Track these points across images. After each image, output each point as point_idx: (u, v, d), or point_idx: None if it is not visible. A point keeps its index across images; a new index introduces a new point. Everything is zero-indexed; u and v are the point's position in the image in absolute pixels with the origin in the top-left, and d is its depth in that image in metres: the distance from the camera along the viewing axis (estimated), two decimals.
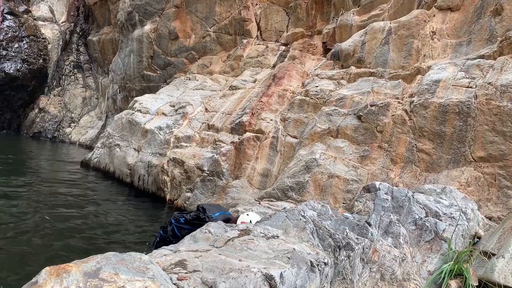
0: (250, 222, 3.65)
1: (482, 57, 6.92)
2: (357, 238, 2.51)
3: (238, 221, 3.75)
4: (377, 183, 3.10)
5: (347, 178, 6.88)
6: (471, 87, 6.46)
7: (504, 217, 5.52)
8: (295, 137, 8.64)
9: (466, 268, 2.69)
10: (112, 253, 1.66)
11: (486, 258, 2.73)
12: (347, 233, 2.52)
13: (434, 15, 8.01)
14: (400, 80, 7.81)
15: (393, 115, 7.08)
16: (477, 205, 5.98)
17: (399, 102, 7.26)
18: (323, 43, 11.40)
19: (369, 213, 2.85)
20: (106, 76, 21.31)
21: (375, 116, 7.21)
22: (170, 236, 3.93)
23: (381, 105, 7.27)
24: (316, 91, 8.94)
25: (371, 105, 7.39)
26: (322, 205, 2.89)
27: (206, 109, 11.23)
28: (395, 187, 3.09)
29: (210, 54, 14.70)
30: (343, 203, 6.77)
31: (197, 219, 3.94)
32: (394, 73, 8.03)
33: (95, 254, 1.63)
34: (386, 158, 6.90)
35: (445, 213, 3.02)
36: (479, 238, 3.09)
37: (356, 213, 2.91)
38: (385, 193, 3.00)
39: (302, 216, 2.72)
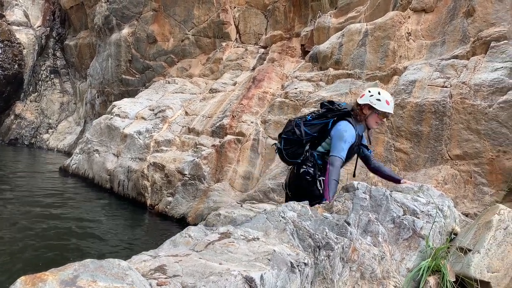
0: (369, 92, 3.66)
1: (456, 57, 7.08)
2: (336, 238, 2.54)
3: (358, 99, 3.70)
4: (355, 183, 3.14)
5: None
6: (446, 87, 6.61)
7: (479, 213, 5.66)
8: (276, 138, 8.67)
9: (444, 264, 2.75)
10: (90, 260, 1.63)
11: (463, 254, 2.79)
12: (326, 233, 2.54)
13: (409, 17, 8.16)
14: (377, 81, 7.93)
15: None
16: (454, 202, 6.11)
17: None
18: (302, 45, 11.50)
19: (348, 213, 2.88)
20: (83, 80, 21.01)
21: None
22: (298, 134, 3.66)
23: None
24: (295, 93, 9.02)
25: None
26: (302, 206, 2.90)
27: (186, 112, 11.18)
28: (373, 187, 3.14)
29: (190, 57, 14.65)
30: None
31: (328, 111, 3.71)
32: (371, 74, 8.15)
33: (72, 262, 1.60)
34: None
35: (422, 211, 3.08)
36: (455, 234, 3.16)
37: (336, 212, 2.94)
38: (363, 193, 3.03)
39: (282, 217, 2.73)
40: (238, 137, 8.96)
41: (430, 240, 2.88)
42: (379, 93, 3.63)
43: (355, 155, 3.87)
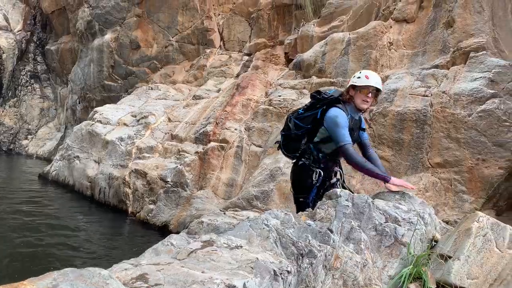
0: (353, 76, 3.61)
1: (436, 67, 7.22)
2: (319, 245, 2.54)
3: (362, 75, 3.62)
4: (338, 190, 3.15)
5: None
6: (427, 96, 6.73)
7: (459, 221, 5.75)
8: (259, 146, 8.69)
9: (425, 272, 2.77)
10: (70, 269, 1.60)
11: (443, 261, 2.82)
12: (309, 241, 2.54)
13: (391, 27, 8.31)
14: None
15: None
16: (435, 209, 6.19)
17: None
18: (286, 53, 11.58)
19: (331, 220, 2.89)
20: (65, 86, 20.70)
21: None
22: (293, 129, 3.72)
23: None
24: (279, 100, 9.06)
25: None
26: (285, 213, 2.90)
27: (169, 119, 11.12)
28: (355, 194, 3.16)
29: (173, 64, 14.60)
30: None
31: (317, 101, 3.70)
32: None
33: (51, 271, 1.56)
34: (348, 165, 7.04)
35: (404, 218, 3.11)
36: (436, 241, 3.20)
37: (319, 220, 2.94)
38: (346, 200, 3.05)
39: (266, 225, 2.73)
40: (222, 144, 8.94)
41: (412, 248, 2.91)
42: (360, 72, 3.66)
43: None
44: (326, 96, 3.66)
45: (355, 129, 3.70)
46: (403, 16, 8.14)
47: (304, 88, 9.23)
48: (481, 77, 6.40)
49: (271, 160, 7.79)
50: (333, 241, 2.67)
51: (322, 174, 3.63)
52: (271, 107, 9.01)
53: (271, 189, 7.20)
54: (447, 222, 6.04)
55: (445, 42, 7.35)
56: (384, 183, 3.49)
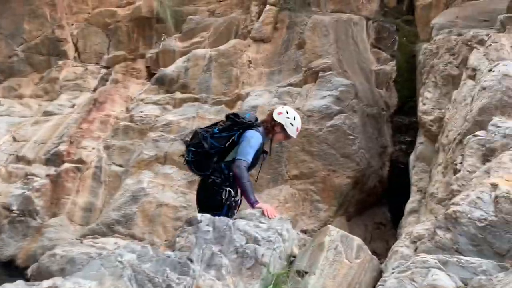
0: (287, 112, 3.90)
1: (291, 85, 7.73)
2: (178, 278, 2.42)
3: (274, 113, 3.91)
4: (199, 215, 3.08)
5: (176, 206, 6.81)
6: None
7: (316, 229, 6.17)
8: (120, 165, 8.22)
9: None
10: None
11: (300, 277, 2.94)
12: (167, 275, 2.40)
13: (249, 45, 8.66)
14: (223, 105, 8.17)
15: None
16: (294, 219, 6.57)
17: None
18: (147, 67, 11.22)
19: (191, 248, 2.79)
20: None
21: None
22: (206, 147, 3.73)
23: None
24: (141, 116, 8.73)
25: None
26: (142, 246, 2.71)
27: (14, 138, 9.83)
28: (217, 217, 3.11)
29: (19, 76, 12.97)
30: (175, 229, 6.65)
31: (234, 124, 3.84)
32: (217, 99, 8.36)
33: None
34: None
35: (263, 237, 3.15)
36: (294, 257, 3.32)
37: (178, 250, 2.81)
38: (206, 225, 2.98)
39: (119, 261, 2.50)
40: (78, 164, 8.21)
41: (271, 267, 2.96)
42: (294, 118, 3.93)
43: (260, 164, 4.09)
44: (245, 121, 3.87)
45: (261, 152, 3.96)
46: (260, 36, 8.56)
47: (168, 103, 9.04)
48: (329, 95, 7.04)
49: (133, 181, 7.41)
50: (193, 271, 2.57)
51: (232, 192, 3.75)
52: (133, 124, 8.63)
53: (134, 212, 6.83)
54: (305, 231, 6.44)
55: (298, 62, 7.91)
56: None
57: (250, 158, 3.71)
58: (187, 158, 3.91)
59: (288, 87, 7.61)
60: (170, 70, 9.38)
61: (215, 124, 4.08)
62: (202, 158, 3.82)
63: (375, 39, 8.76)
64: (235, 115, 4.02)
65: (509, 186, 3.06)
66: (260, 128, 3.90)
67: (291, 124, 3.91)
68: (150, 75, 10.93)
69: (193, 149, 3.86)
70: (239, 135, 3.79)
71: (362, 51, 8.29)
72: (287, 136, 4.01)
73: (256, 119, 4.00)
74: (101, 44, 12.72)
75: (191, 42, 10.02)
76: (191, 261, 2.64)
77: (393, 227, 6.62)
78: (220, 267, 2.76)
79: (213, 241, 2.94)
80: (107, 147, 8.49)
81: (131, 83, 10.89)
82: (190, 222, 3.06)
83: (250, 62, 8.42)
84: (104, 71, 12.00)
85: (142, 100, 9.49)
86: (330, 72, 7.37)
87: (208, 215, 3.11)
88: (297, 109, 7.00)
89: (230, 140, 3.80)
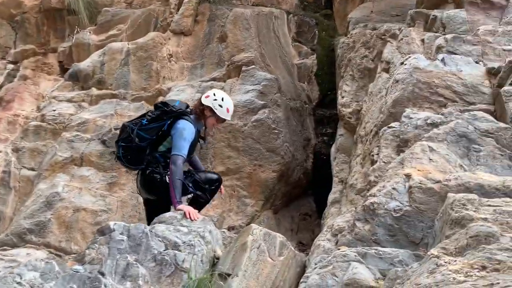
0: (214, 94, 3.85)
1: (214, 79, 7.57)
2: None
3: (202, 97, 3.90)
4: (111, 224, 2.86)
5: (95, 210, 6.41)
6: None
7: (244, 225, 6.13)
8: (32, 169, 7.57)
9: None
10: None
11: (223, 280, 2.84)
12: None
13: (169, 38, 8.34)
14: (143, 101, 7.80)
15: None
16: (221, 217, 6.48)
17: None
18: (60, 62, 10.43)
19: (103, 260, 2.58)
20: None
21: None
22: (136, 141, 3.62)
23: None
24: (54, 115, 8.11)
25: (115, 129, 7.11)
26: (46, 262, 2.46)
27: None
28: (132, 224, 2.91)
29: None
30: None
31: (163, 113, 3.74)
32: (136, 95, 7.98)
33: None
34: (135, 182, 6.75)
35: (184, 242, 3.01)
36: (218, 259, 3.22)
37: (89, 263, 2.59)
38: (120, 233, 2.78)
39: (18, 282, 2.24)
40: None
41: (192, 272, 2.83)
42: (222, 99, 3.85)
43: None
44: (174, 109, 3.77)
45: (197, 139, 3.99)
46: (180, 28, 8.28)
47: (83, 101, 8.49)
48: (252, 89, 6.99)
49: (47, 185, 6.84)
50: (105, 286, 2.37)
51: None
52: (45, 124, 7.99)
53: (48, 218, 6.32)
54: (233, 228, 6.37)
55: (220, 55, 7.77)
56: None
57: (185, 152, 3.67)
58: (118, 154, 3.82)
59: (212, 82, 7.45)
60: (85, 65, 8.80)
61: (143, 115, 3.98)
62: (133, 152, 3.74)
63: (296, 33, 8.88)
64: (164, 103, 3.95)
65: (422, 176, 3.19)
66: (192, 116, 3.84)
67: (220, 105, 3.84)
68: (63, 70, 10.18)
69: (123, 144, 3.77)
70: (170, 124, 3.73)
71: (284, 45, 8.34)
72: (219, 119, 3.94)
73: (187, 106, 3.95)
74: (6, 37, 11.63)
75: (107, 35, 9.47)
76: (103, 274, 2.43)
77: (319, 217, 6.76)
78: (136, 278, 2.59)
79: (128, 250, 2.75)
80: (16, 150, 7.78)
81: (42, 79, 10.08)
82: (102, 231, 2.83)
83: (170, 56, 8.12)
84: (11, 66, 10.99)
85: (54, 97, 8.81)
86: (253, 66, 7.31)
87: (122, 223, 2.89)
88: None
89: (161, 131, 3.74)
